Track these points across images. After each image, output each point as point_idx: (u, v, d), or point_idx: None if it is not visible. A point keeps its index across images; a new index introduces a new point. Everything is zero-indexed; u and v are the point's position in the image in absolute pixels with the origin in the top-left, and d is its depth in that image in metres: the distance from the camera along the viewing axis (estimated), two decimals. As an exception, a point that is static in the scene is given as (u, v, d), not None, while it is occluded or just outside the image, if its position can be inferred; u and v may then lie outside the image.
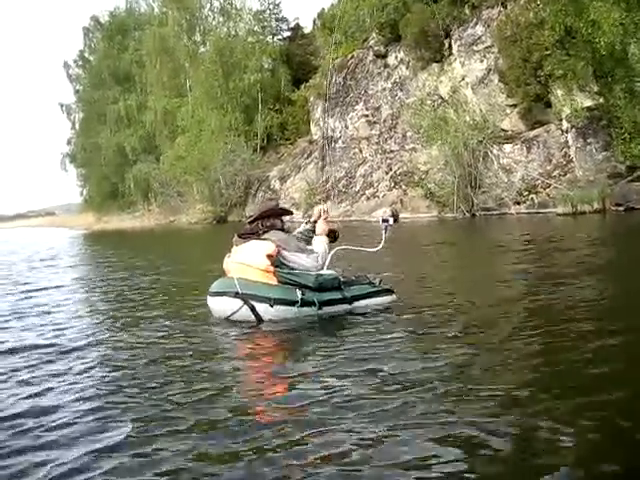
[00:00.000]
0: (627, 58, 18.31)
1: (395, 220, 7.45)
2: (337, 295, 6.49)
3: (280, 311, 6.24)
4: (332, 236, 6.90)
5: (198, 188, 44.50)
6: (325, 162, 36.30)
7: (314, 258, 6.54)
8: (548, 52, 21.00)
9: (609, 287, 7.52)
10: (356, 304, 6.56)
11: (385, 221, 7.24)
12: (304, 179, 36.64)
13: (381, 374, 4.28)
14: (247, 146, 43.11)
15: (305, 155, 39.57)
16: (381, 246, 7.25)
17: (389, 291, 6.85)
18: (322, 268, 6.58)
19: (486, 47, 27.02)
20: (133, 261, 16.26)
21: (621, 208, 20.06)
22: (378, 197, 30.54)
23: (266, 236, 6.60)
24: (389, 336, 5.43)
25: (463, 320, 5.91)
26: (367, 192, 31.61)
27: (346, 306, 6.51)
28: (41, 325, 7.13)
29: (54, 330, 6.70)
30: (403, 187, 29.44)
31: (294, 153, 41.61)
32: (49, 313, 7.91)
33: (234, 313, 6.34)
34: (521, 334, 5.39)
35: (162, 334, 6.14)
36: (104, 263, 16.89)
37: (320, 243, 6.72)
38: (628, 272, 8.66)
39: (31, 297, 9.73)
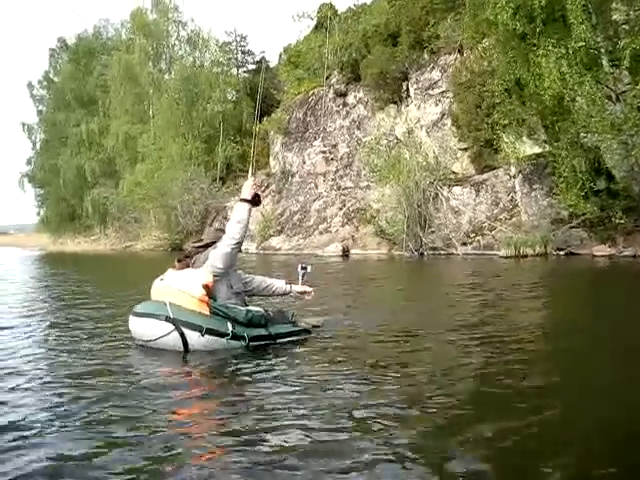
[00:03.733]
0: (572, 111, 18.95)
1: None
2: (263, 332, 6.59)
3: (210, 341, 6.21)
4: (256, 200, 6.93)
5: (155, 215, 44.55)
6: (281, 195, 36.71)
7: (224, 239, 6.60)
8: (498, 100, 21.72)
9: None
10: (279, 341, 6.70)
11: (303, 268, 7.58)
12: (259, 211, 36.94)
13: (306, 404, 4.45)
14: (206, 176, 43.25)
15: (262, 187, 39.93)
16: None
17: (307, 331, 7.07)
18: (236, 241, 6.60)
19: (441, 92, 27.81)
20: (79, 283, 16.48)
21: (562, 252, 20.70)
22: (331, 232, 30.97)
23: (195, 257, 6.78)
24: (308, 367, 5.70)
25: (384, 353, 6.18)
26: (320, 227, 32.02)
27: (271, 342, 6.64)
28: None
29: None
30: (355, 224, 29.94)
31: (252, 185, 41.89)
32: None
33: (161, 337, 6.28)
34: (428, 358, 5.84)
35: (89, 362, 6.03)
36: (49, 285, 17.03)
37: (234, 214, 6.72)
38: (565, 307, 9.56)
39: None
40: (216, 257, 6.55)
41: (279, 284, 7.46)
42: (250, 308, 6.67)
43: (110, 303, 10.86)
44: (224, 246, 6.56)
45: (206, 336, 6.19)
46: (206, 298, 6.29)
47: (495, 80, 21.29)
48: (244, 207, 6.69)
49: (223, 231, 7.44)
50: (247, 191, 6.79)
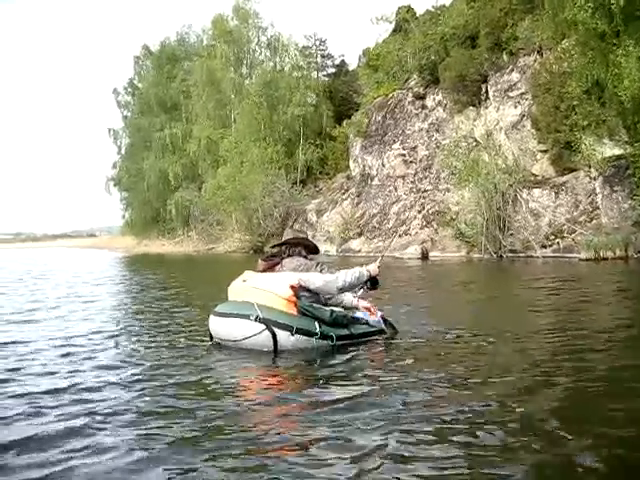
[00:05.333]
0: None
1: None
2: (346, 331, 6.70)
3: (300, 341, 6.32)
4: (373, 281, 7.23)
5: (237, 217, 45.23)
6: (361, 198, 36.93)
7: (334, 277, 6.76)
8: (576, 102, 21.53)
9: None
10: (361, 340, 6.85)
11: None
12: (339, 213, 37.26)
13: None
14: (287, 179, 43.82)
15: (342, 190, 40.25)
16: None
17: (382, 331, 7.20)
18: (340, 289, 6.80)
19: (521, 93, 27.59)
20: (168, 284, 17.15)
21: (644, 255, 20.39)
22: (410, 235, 31.03)
23: (287, 260, 7.07)
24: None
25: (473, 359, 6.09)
26: (399, 229, 32.11)
27: (353, 342, 6.75)
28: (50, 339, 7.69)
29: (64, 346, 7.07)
30: (434, 226, 29.95)
31: (332, 188, 42.31)
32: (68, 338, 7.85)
33: (250, 337, 6.32)
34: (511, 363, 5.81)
35: (177, 362, 6.22)
36: (140, 286, 17.68)
37: (357, 271, 6.93)
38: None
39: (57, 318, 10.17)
40: (314, 282, 6.70)
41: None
42: (333, 308, 6.76)
43: (198, 304, 11.26)
44: (328, 286, 6.76)
45: (296, 336, 6.31)
46: (294, 298, 6.41)
47: (573, 82, 21.11)
48: (366, 276, 7.05)
49: (300, 232, 7.75)
50: (374, 268, 7.18)
